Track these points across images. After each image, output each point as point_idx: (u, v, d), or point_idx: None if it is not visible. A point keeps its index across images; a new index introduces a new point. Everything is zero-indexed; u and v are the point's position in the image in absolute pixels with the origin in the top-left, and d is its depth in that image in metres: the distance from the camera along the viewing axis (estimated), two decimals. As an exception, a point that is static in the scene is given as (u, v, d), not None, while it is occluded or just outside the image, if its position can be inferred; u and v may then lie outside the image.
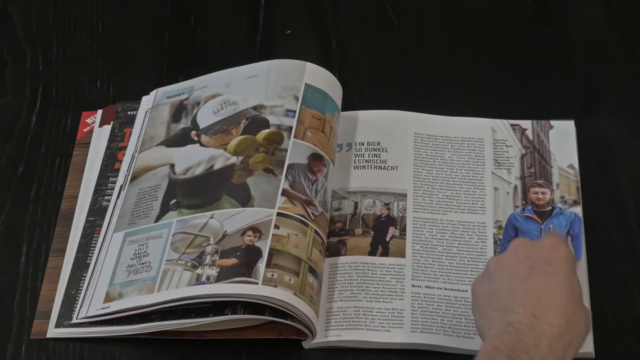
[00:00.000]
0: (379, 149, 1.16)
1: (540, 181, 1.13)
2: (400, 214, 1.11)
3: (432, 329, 1.03)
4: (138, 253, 1.05)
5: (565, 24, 1.30)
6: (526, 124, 1.18)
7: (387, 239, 1.10)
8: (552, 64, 1.25)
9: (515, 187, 1.13)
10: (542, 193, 1.12)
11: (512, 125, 1.18)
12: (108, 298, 1.03)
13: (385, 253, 1.08)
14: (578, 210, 1.10)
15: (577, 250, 1.06)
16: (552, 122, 1.18)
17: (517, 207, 1.12)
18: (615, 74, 1.24)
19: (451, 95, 1.23)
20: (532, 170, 1.14)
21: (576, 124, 1.17)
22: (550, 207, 1.11)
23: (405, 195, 1.13)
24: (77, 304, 1.06)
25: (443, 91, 1.24)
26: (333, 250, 1.08)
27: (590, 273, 1.05)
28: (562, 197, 1.11)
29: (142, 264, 1.04)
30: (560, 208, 1.10)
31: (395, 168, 1.15)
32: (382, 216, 1.11)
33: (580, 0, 1.31)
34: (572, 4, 1.31)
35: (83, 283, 1.07)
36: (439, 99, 1.23)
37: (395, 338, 1.02)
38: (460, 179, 1.14)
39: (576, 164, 1.14)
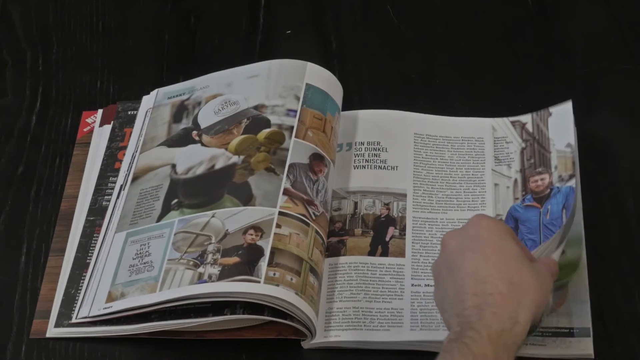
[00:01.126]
0: (379, 149, 1.16)
1: (540, 169, 1.12)
2: (400, 214, 1.11)
3: (432, 328, 1.02)
4: (140, 253, 1.05)
5: (565, 24, 1.30)
6: (526, 118, 1.17)
7: (387, 239, 1.09)
8: (552, 64, 1.25)
9: (516, 180, 1.13)
10: (541, 179, 1.11)
11: (512, 121, 1.17)
12: (110, 298, 1.03)
13: (384, 253, 1.08)
14: (572, 182, 1.07)
15: (567, 211, 1.05)
16: (551, 109, 1.16)
17: (517, 199, 1.11)
18: (615, 74, 1.24)
19: (451, 95, 1.23)
20: (532, 161, 1.14)
21: (576, 124, 1.17)
22: (548, 190, 1.10)
23: (405, 195, 1.13)
24: (76, 303, 1.06)
25: (443, 91, 1.24)
26: (333, 251, 1.08)
27: (590, 273, 1.05)
28: (559, 177, 1.10)
29: (144, 263, 1.04)
30: (557, 187, 1.09)
31: (395, 168, 1.15)
32: (382, 216, 1.11)
33: (580, 0, 1.32)
34: (572, 4, 1.31)
35: (83, 283, 1.07)
36: (439, 99, 1.22)
37: (394, 337, 1.02)
38: (460, 178, 1.14)
39: (573, 142, 1.11)
